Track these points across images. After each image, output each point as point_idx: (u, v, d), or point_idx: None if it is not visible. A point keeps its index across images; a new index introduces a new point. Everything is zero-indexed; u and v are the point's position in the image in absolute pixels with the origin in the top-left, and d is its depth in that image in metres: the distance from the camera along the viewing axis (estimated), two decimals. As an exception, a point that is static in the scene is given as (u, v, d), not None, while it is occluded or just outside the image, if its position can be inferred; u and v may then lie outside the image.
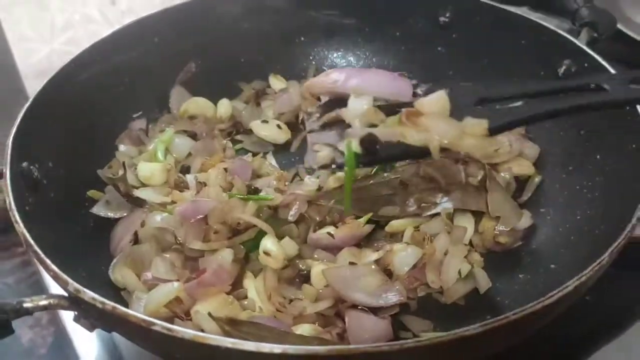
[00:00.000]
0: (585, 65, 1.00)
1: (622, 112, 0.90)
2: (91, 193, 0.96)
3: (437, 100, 0.72)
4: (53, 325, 1.62)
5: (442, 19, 1.19)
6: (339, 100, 0.77)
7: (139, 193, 0.94)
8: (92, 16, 1.95)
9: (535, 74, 1.09)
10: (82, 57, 1.02)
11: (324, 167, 0.74)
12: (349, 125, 0.73)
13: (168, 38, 1.16)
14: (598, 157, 0.95)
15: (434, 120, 0.71)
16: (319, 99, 0.85)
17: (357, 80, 0.79)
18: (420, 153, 0.71)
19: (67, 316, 0.95)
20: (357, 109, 0.73)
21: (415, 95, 0.80)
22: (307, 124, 0.79)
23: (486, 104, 0.78)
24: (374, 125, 0.73)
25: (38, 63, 1.91)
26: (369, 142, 0.69)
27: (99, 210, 0.95)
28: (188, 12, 1.18)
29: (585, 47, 1.01)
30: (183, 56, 1.18)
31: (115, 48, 1.09)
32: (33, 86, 1.88)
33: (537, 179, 1.03)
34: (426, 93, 0.78)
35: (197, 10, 1.18)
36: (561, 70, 1.04)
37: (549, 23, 1.09)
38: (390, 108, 0.76)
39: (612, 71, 0.96)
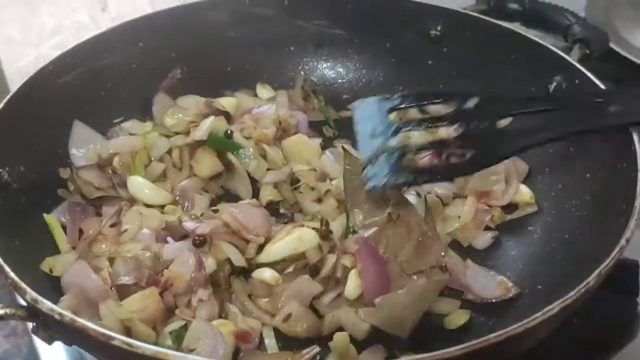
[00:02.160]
0: (577, 81, 0.98)
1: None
2: (61, 192, 0.93)
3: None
4: (28, 335, 1.58)
5: (433, 32, 1.17)
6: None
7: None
8: (82, 22, 1.93)
9: (525, 89, 1.06)
10: (62, 59, 1.00)
11: None
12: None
13: (153, 43, 1.13)
14: (587, 175, 0.93)
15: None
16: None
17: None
18: None
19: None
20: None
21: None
22: None
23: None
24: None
25: (25, 67, 1.88)
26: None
27: (58, 214, 0.91)
28: (174, 18, 1.15)
29: (576, 64, 1.00)
30: (168, 62, 1.16)
31: (97, 51, 1.06)
32: (19, 90, 1.85)
33: (530, 209, 0.99)
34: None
35: (184, 16, 1.16)
36: (552, 86, 1.02)
37: (544, 41, 1.07)
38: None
39: (603, 88, 0.95)
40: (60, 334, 0.64)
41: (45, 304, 0.59)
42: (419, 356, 0.56)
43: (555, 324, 0.66)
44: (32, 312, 0.61)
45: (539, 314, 0.61)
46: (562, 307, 0.62)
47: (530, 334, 0.61)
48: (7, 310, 0.61)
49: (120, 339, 0.55)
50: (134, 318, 0.71)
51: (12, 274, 0.62)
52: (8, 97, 0.88)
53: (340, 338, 0.80)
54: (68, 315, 0.58)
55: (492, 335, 0.59)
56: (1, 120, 0.85)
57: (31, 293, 0.60)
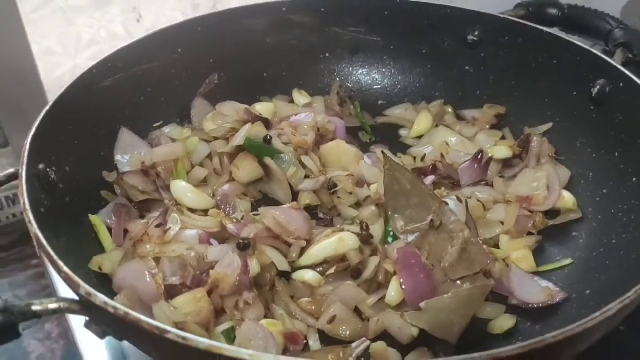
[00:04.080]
0: (621, 85, 0.97)
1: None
2: (104, 194, 0.94)
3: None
4: (63, 339, 1.59)
5: (470, 37, 1.17)
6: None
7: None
8: (117, 33, 1.96)
9: (567, 94, 1.06)
10: (104, 64, 1.01)
11: None
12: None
13: (191, 49, 1.14)
14: (634, 180, 0.92)
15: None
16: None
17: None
18: None
19: (77, 329, 0.91)
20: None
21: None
22: None
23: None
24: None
25: (62, 77, 1.91)
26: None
27: (102, 215, 0.92)
28: (213, 25, 1.17)
29: (620, 67, 0.98)
30: (206, 68, 1.17)
31: (138, 56, 1.08)
32: (56, 99, 1.89)
33: (573, 215, 0.98)
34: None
35: (222, 23, 1.17)
36: (595, 90, 1.01)
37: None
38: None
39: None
40: (112, 328, 0.64)
41: (99, 297, 0.59)
42: (476, 354, 0.55)
43: (612, 326, 0.64)
44: (86, 306, 0.62)
45: (597, 314, 0.59)
46: (620, 308, 0.61)
47: (587, 336, 0.60)
48: (61, 304, 0.61)
49: (174, 332, 0.55)
50: (189, 321, 0.71)
51: (65, 268, 0.63)
52: (54, 99, 0.89)
53: (379, 347, 0.79)
54: (122, 308, 0.58)
55: (549, 335, 0.57)
56: (48, 122, 0.86)
57: (85, 287, 0.60)
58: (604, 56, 1.01)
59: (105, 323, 0.63)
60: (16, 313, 0.59)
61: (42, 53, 1.85)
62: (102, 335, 0.64)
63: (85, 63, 1.96)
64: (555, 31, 1.14)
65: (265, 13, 1.20)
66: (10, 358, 1.66)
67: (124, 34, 2.01)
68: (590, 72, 1.01)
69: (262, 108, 1.13)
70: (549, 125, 1.09)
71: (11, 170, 0.78)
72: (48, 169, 0.83)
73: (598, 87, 1.01)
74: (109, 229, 0.90)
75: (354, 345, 0.77)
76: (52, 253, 0.64)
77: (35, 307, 0.60)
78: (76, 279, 0.61)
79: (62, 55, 1.92)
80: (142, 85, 1.08)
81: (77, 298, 0.63)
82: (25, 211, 0.70)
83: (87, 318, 0.64)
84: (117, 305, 0.58)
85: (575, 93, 1.04)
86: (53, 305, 0.61)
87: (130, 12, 2.02)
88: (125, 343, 0.84)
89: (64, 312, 0.61)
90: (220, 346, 0.55)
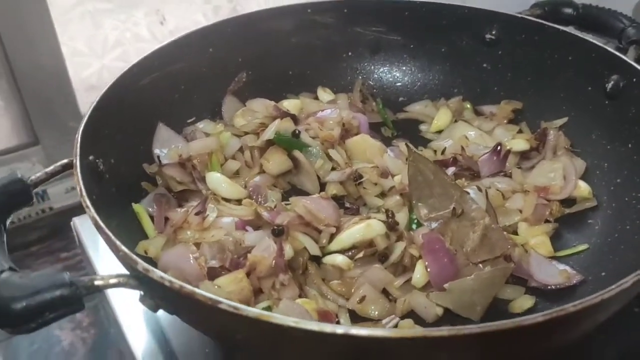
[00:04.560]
0: (634, 80, 1.02)
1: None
2: (144, 184, 1.00)
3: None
4: (94, 328, 1.65)
5: (487, 36, 1.22)
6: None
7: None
8: (141, 35, 2.03)
9: (582, 89, 1.10)
10: (143, 63, 1.07)
11: None
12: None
13: (222, 49, 1.20)
14: (647, 169, 0.96)
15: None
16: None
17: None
18: None
19: (119, 309, 0.97)
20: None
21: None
22: None
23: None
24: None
25: (89, 77, 1.98)
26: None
27: (144, 204, 0.98)
28: (241, 25, 1.22)
29: (634, 63, 1.03)
30: (235, 67, 1.23)
31: (172, 56, 1.13)
32: (84, 98, 1.96)
33: (589, 204, 1.02)
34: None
35: (250, 24, 1.23)
36: (609, 85, 1.05)
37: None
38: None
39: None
40: (165, 302, 0.69)
41: (156, 272, 0.65)
42: (499, 322, 0.60)
43: (627, 298, 0.69)
44: (142, 281, 0.67)
45: (614, 286, 0.64)
46: (635, 281, 0.65)
47: (605, 306, 0.65)
48: (120, 279, 0.67)
49: (226, 302, 0.61)
50: (232, 298, 0.76)
51: (123, 247, 0.68)
52: (100, 95, 0.95)
53: (406, 324, 0.84)
54: (177, 282, 0.63)
55: (569, 304, 0.62)
56: (95, 117, 0.91)
57: (142, 263, 0.66)
58: (617, 53, 1.06)
59: (159, 297, 0.69)
60: (81, 286, 0.65)
61: (71, 54, 1.92)
62: (155, 309, 0.70)
63: (111, 64, 2.04)
64: (570, 29, 1.19)
65: (290, 14, 1.26)
66: (41, 346, 1.73)
67: (148, 36, 2.08)
68: (605, 68, 1.06)
69: (290, 104, 1.19)
70: (565, 119, 1.14)
71: (65, 160, 0.84)
72: (97, 160, 0.89)
73: (612, 82, 1.05)
74: (151, 217, 0.96)
75: (384, 321, 0.82)
76: (110, 234, 0.70)
77: (98, 282, 0.66)
78: (134, 256, 0.67)
79: (89, 56, 1.99)
80: (176, 84, 1.14)
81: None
82: (82, 197, 0.76)
83: (142, 292, 0.70)
84: (173, 279, 0.64)
85: (590, 88, 1.09)
86: (113, 280, 0.67)
87: (154, 15, 2.09)
88: (167, 325, 0.91)
89: (123, 286, 0.67)
90: (269, 314, 0.60)
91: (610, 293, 0.64)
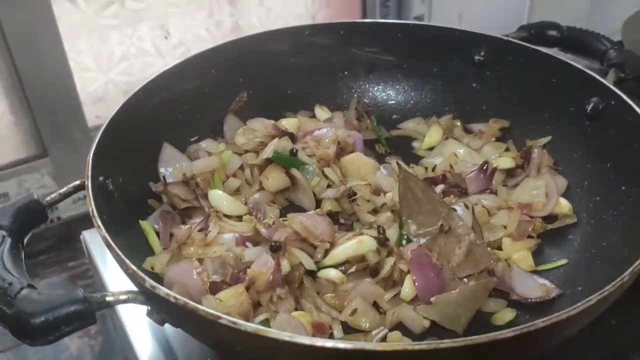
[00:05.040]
0: (612, 103, 1.08)
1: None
2: (151, 201, 1.06)
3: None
4: (101, 335, 1.72)
5: (477, 57, 1.28)
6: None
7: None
8: (146, 49, 2.10)
9: (564, 110, 1.16)
10: (150, 85, 1.13)
11: None
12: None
13: (223, 70, 1.26)
14: (623, 188, 1.02)
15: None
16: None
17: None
18: None
19: (128, 321, 1.04)
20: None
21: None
22: None
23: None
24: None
25: (95, 91, 2.05)
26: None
27: (150, 221, 1.04)
28: (242, 47, 1.29)
29: (612, 86, 1.09)
30: (236, 87, 1.29)
31: (177, 78, 1.19)
32: (90, 112, 2.03)
33: (569, 220, 1.08)
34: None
35: (250, 46, 1.29)
36: (589, 107, 1.11)
37: (579, 64, 1.17)
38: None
39: (638, 109, 1.03)
40: (171, 316, 0.75)
41: (162, 289, 0.71)
42: (478, 337, 0.66)
43: (594, 315, 0.75)
44: (149, 297, 0.74)
45: (579, 304, 0.70)
46: (599, 299, 0.71)
47: (572, 322, 0.71)
48: (129, 295, 0.73)
49: (226, 318, 0.67)
50: (232, 312, 0.83)
51: (132, 266, 0.75)
52: (110, 117, 1.01)
53: (394, 336, 0.90)
54: (182, 299, 0.69)
55: (539, 320, 0.68)
56: (104, 139, 0.98)
57: (150, 281, 0.72)
58: (596, 76, 1.11)
59: (165, 312, 0.75)
60: (93, 302, 0.71)
61: (79, 69, 1.99)
62: (161, 323, 0.76)
63: (117, 78, 2.11)
64: (554, 51, 1.25)
65: (289, 36, 1.32)
66: (49, 353, 1.79)
67: (152, 50, 2.15)
68: (585, 90, 1.11)
69: (288, 123, 1.25)
70: (549, 138, 1.19)
71: (77, 182, 0.91)
72: (106, 180, 0.95)
73: (592, 104, 1.10)
74: (156, 233, 1.02)
75: (373, 332, 0.88)
76: (120, 253, 0.77)
77: (109, 298, 0.72)
78: (141, 274, 0.73)
79: (96, 71, 2.06)
80: (180, 104, 1.20)
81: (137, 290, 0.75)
82: (94, 217, 0.82)
83: (149, 308, 0.76)
84: (178, 295, 0.70)
85: (572, 109, 1.15)
86: (123, 297, 0.73)
87: (159, 30, 2.16)
88: (172, 335, 0.97)
89: (132, 302, 0.73)
90: (265, 329, 0.67)
91: (577, 310, 0.70)
